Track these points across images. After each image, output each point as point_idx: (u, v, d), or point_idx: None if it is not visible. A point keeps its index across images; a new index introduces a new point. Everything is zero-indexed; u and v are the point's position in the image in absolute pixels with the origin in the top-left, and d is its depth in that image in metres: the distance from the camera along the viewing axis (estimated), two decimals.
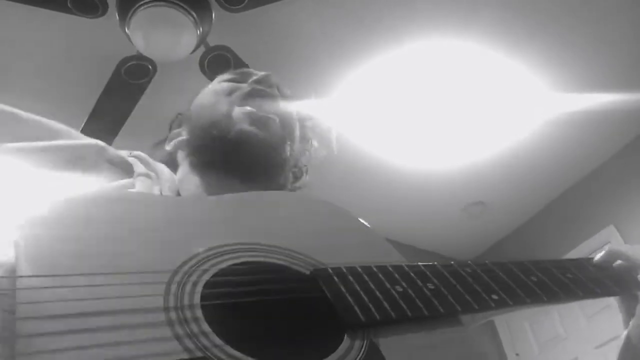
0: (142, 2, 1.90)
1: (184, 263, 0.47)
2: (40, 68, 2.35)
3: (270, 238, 0.54)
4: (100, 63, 2.25)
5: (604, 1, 2.32)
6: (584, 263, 0.68)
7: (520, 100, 2.77)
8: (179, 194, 0.73)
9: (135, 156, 0.75)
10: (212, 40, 2.12)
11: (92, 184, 0.66)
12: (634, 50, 2.57)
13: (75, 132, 0.73)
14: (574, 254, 3.19)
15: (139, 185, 0.68)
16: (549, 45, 2.49)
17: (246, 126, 0.74)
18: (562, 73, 2.63)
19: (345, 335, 0.46)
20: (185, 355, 0.38)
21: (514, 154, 3.12)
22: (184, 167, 0.78)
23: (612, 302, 0.71)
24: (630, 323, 0.67)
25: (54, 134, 0.70)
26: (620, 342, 0.67)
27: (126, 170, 0.72)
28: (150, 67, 2.14)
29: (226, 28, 2.20)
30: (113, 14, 1.96)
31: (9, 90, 2.41)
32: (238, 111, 0.76)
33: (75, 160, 0.67)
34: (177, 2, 1.91)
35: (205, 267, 0.47)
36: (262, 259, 0.51)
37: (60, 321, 0.37)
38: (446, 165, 3.17)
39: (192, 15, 1.95)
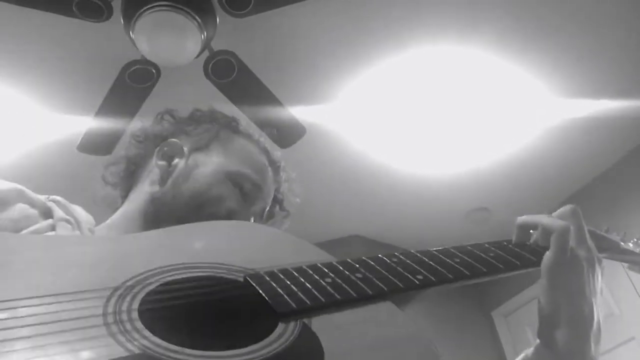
0: (146, 7, 1.90)
1: (127, 280, 0.51)
2: (44, 71, 2.36)
3: (209, 257, 0.58)
4: (104, 67, 2.26)
5: (607, 8, 2.32)
6: (504, 243, 0.73)
7: (524, 106, 2.76)
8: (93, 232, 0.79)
9: (53, 200, 0.78)
10: (216, 45, 2.13)
11: (16, 227, 0.68)
12: (637, 57, 2.57)
13: None
14: None
15: (60, 230, 0.71)
16: (552, 51, 2.49)
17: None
18: (566, 79, 2.63)
19: (279, 323, 0.49)
20: (117, 348, 0.41)
21: (518, 160, 3.12)
22: (137, 204, 0.87)
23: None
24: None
25: None
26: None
27: (45, 213, 0.74)
28: (154, 71, 2.15)
29: (230, 33, 2.21)
30: (118, 18, 1.97)
31: (12, 93, 2.42)
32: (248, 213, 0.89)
33: None
34: (182, 6, 1.92)
35: (148, 281, 0.51)
36: (202, 274, 0.55)
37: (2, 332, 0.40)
38: (450, 171, 3.17)
39: (197, 20, 1.95)
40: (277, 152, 1.00)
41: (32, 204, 0.74)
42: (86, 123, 2.34)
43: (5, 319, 0.42)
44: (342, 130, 2.83)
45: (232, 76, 2.17)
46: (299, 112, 2.45)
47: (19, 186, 0.75)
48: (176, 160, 0.90)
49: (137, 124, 1.00)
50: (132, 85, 2.16)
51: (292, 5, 1.99)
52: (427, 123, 2.82)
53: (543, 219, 0.71)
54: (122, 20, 1.97)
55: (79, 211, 0.80)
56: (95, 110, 2.24)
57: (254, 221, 0.91)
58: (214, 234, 0.69)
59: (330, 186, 3.18)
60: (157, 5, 1.90)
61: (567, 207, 0.73)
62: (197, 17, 1.95)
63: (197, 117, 0.99)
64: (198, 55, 2.10)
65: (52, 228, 0.71)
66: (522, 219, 0.74)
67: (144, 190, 0.89)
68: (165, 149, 0.92)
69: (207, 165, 0.90)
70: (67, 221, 0.74)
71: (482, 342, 3.71)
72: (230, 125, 0.98)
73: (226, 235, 0.69)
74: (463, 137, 2.94)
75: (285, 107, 2.34)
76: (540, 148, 3.04)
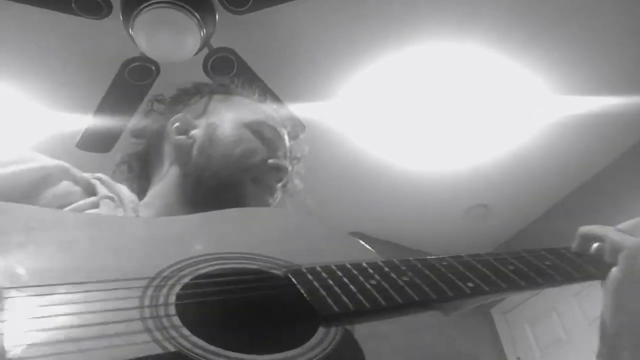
0: (146, 4, 1.90)
1: (163, 270, 0.49)
2: (44, 69, 2.36)
3: (248, 247, 0.56)
4: (103, 64, 2.26)
5: (605, 5, 2.31)
6: (562, 251, 0.67)
7: (523, 103, 2.76)
8: (137, 211, 0.78)
9: (97, 178, 0.77)
10: (216, 42, 2.13)
11: (60, 203, 0.68)
12: (637, 53, 2.57)
13: (39, 155, 0.74)
14: None
15: (103, 207, 0.71)
16: (551, 48, 2.48)
17: (275, 180, 0.86)
18: (565, 76, 2.63)
19: (320, 327, 0.46)
20: (154, 345, 0.40)
21: (517, 157, 3.12)
22: (170, 181, 0.85)
23: None
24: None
25: (20, 159, 0.71)
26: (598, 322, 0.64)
27: (88, 191, 0.74)
28: (153, 68, 2.15)
29: (230, 30, 2.21)
30: (117, 15, 1.97)
31: (12, 91, 2.42)
32: (274, 162, 0.86)
33: (42, 180, 0.69)
34: (181, 3, 1.92)
35: (184, 272, 0.49)
36: (239, 265, 0.53)
37: (35, 322, 0.40)
38: (449, 168, 3.17)
39: (196, 17, 1.95)
40: (272, 104, 0.99)
41: (76, 181, 0.74)
42: (86, 120, 2.34)
43: (46, 305, 0.41)
44: (341, 127, 2.83)
45: (232, 73, 2.17)
46: (298, 109, 2.44)
47: (64, 163, 0.75)
48: (193, 131, 0.88)
49: (134, 122, 1.00)
50: (132, 82, 2.16)
51: (291, 3, 1.98)
52: (426, 120, 2.82)
53: (611, 233, 0.66)
54: (121, 17, 1.97)
55: (123, 190, 0.79)
56: (94, 107, 2.24)
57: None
58: (251, 221, 0.66)
59: (329, 183, 3.18)
60: (156, 2, 1.90)
61: (637, 220, 0.67)
62: (196, 14, 1.95)
63: (185, 92, 1.00)
64: (197, 52, 2.10)
65: (96, 205, 0.70)
66: (587, 229, 0.68)
67: (163, 171, 0.87)
68: (177, 124, 0.89)
69: (224, 124, 0.88)
70: (111, 199, 0.73)
71: (481, 339, 3.72)
72: (221, 88, 0.99)
73: (263, 222, 0.67)
74: (463, 134, 2.94)
75: (284, 104, 2.34)
76: (540, 145, 3.04)
